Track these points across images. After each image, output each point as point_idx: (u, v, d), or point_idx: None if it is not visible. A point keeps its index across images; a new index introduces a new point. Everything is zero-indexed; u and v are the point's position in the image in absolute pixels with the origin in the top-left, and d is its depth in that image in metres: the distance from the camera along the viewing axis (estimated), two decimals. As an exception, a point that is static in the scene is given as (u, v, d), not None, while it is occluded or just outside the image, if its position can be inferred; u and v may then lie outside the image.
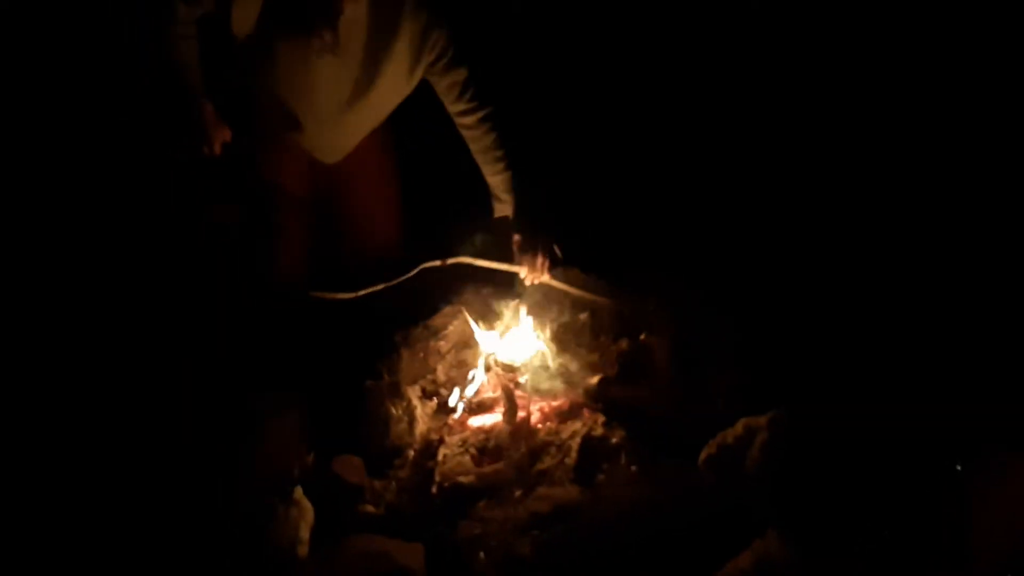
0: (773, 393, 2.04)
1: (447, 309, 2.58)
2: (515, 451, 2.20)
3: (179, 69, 2.23)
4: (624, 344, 2.42)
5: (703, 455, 1.95)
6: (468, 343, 2.54)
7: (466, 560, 1.94)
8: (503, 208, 2.56)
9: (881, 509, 1.70)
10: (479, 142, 2.48)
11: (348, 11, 2.13)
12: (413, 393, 2.38)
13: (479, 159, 2.52)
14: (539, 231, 2.51)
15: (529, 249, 2.50)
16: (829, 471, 1.75)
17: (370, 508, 2.10)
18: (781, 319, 2.40)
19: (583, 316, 2.56)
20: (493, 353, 2.47)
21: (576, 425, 2.25)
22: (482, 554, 1.94)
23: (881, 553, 1.65)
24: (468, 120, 2.45)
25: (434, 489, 2.12)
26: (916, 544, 1.66)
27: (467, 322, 2.53)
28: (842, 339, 2.30)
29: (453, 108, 2.44)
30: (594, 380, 2.34)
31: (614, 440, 2.17)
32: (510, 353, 2.49)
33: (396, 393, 2.35)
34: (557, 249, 2.53)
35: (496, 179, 2.52)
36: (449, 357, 2.54)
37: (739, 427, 1.91)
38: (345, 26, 2.15)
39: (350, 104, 2.34)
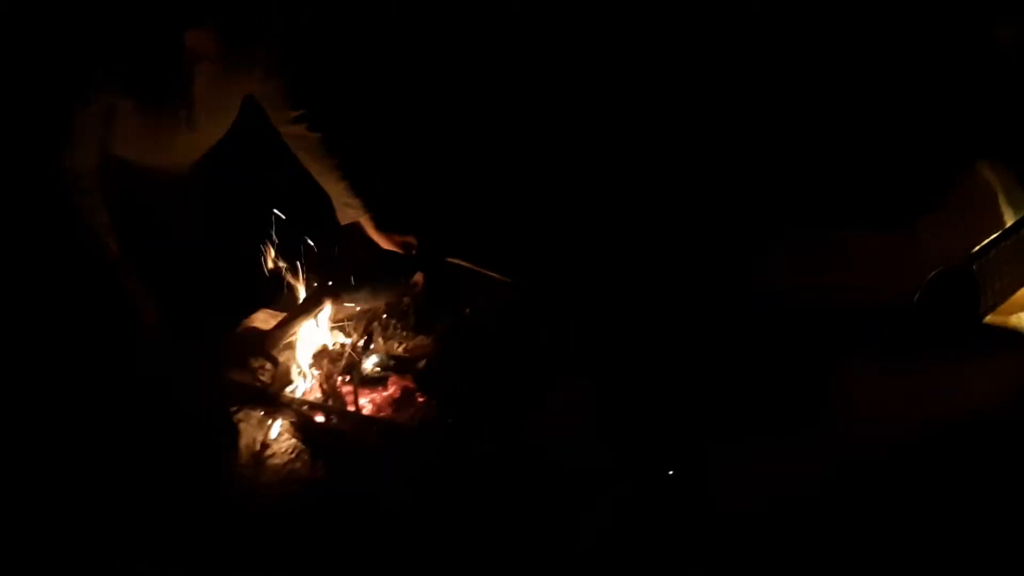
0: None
1: (259, 314, 2.44)
2: (350, 449, 2.12)
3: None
4: (448, 322, 2.37)
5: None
6: (291, 344, 2.41)
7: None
8: (351, 214, 2.56)
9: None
10: (310, 150, 2.51)
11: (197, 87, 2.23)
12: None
13: (315, 168, 2.54)
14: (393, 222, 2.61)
15: (396, 236, 2.60)
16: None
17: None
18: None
19: (406, 300, 2.49)
20: (316, 351, 2.36)
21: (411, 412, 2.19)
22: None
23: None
24: (295, 129, 2.47)
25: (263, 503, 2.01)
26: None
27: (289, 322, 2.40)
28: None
29: (277, 118, 2.47)
30: (422, 364, 2.29)
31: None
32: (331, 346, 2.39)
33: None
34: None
35: (338, 186, 2.55)
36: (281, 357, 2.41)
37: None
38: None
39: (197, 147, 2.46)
